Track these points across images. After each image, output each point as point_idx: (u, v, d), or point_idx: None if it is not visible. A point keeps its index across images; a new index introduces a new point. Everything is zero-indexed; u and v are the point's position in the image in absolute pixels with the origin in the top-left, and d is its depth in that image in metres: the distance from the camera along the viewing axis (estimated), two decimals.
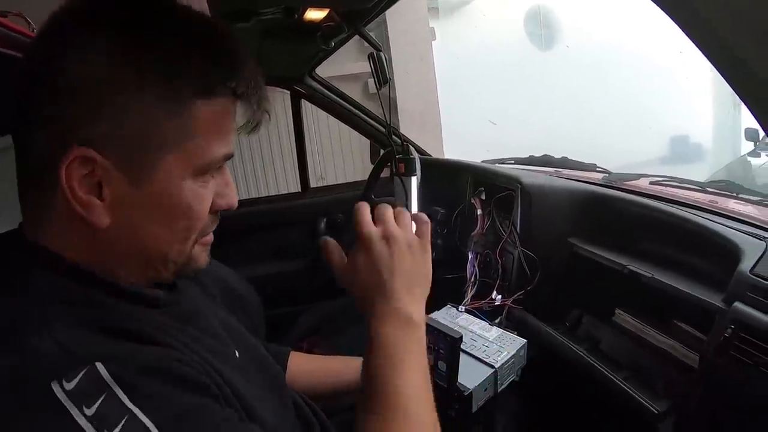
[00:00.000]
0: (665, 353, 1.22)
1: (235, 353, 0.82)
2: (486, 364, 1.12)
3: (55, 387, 0.50)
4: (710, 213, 1.32)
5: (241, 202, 2.16)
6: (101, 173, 0.61)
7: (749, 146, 4.57)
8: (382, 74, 1.50)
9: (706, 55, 0.63)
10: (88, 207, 0.62)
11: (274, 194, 2.53)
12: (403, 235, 0.80)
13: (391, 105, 1.56)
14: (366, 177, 2.16)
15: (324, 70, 2.17)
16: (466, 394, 1.05)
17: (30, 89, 0.62)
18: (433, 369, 1.07)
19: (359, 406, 0.73)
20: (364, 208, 0.82)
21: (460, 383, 1.06)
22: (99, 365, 0.52)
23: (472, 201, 1.61)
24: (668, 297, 1.19)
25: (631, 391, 1.16)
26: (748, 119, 5.24)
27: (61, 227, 0.64)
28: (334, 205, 2.34)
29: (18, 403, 0.51)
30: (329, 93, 2.19)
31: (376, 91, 1.56)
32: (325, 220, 2.32)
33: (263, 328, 1.86)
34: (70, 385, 0.51)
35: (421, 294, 0.81)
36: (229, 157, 0.69)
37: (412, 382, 0.74)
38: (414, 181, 1.53)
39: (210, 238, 0.75)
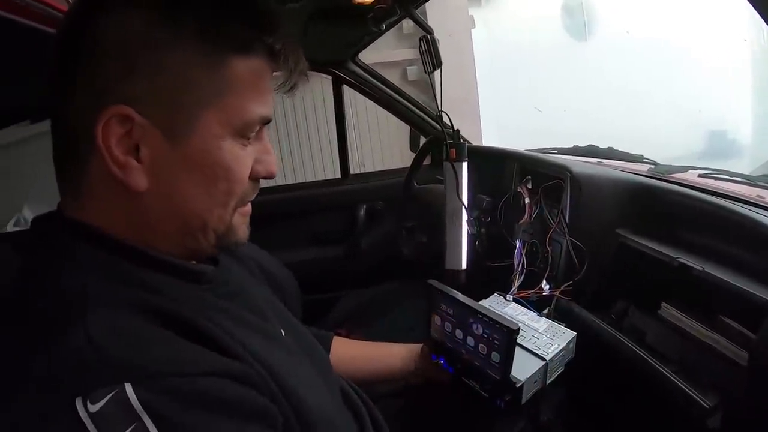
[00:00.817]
0: (712, 349, 1.20)
1: (281, 332, 0.84)
2: (537, 356, 1.11)
3: (79, 405, 0.48)
4: (758, 207, 1.29)
5: (280, 187, 2.22)
6: (139, 133, 0.61)
7: None
8: (436, 57, 1.49)
9: None
10: (126, 168, 0.62)
11: (313, 180, 2.52)
12: None
13: (430, 91, 1.55)
14: (405, 165, 2.16)
15: (364, 57, 2.17)
16: (518, 386, 1.05)
17: (67, 53, 0.62)
18: (486, 359, 1.06)
19: None
20: None
21: (512, 375, 1.04)
22: (128, 388, 0.49)
23: (519, 189, 1.59)
24: (716, 291, 1.18)
25: (681, 385, 1.14)
26: None
27: (99, 197, 0.65)
28: (374, 192, 2.36)
29: (39, 415, 0.49)
30: (371, 78, 2.19)
31: (414, 78, 1.57)
32: (365, 207, 2.33)
33: (300, 312, 1.88)
34: (94, 408, 0.48)
35: None
36: (267, 120, 0.71)
37: None
38: (465, 168, 1.52)
39: (249, 208, 0.75)
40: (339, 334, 1.81)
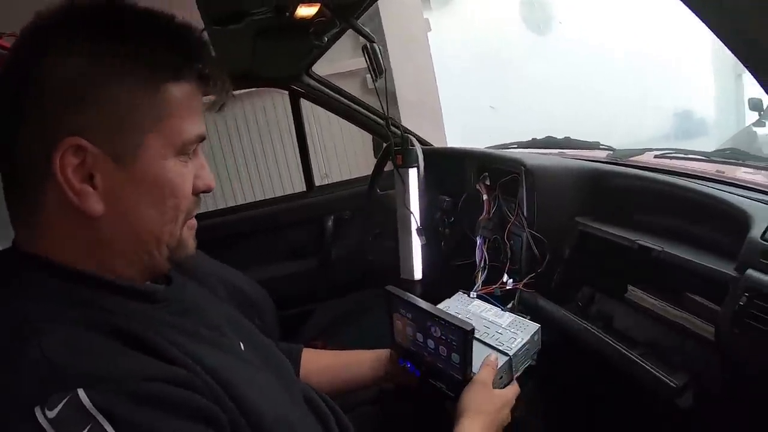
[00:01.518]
0: (681, 327, 1.20)
1: (239, 346, 0.86)
2: (500, 351, 1.11)
3: (38, 413, 0.52)
4: (717, 182, 1.30)
5: (246, 206, 2.20)
6: (92, 161, 0.65)
7: (753, 116, 4.52)
8: (377, 66, 1.49)
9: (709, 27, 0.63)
10: (83, 195, 0.66)
11: (279, 195, 2.51)
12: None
13: (390, 97, 1.55)
14: (370, 173, 2.16)
15: (321, 69, 2.17)
16: None
17: (12, 92, 0.66)
18: (447, 360, 1.06)
19: None
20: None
21: (474, 372, 1.04)
22: (81, 393, 0.54)
23: (477, 187, 1.60)
24: (680, 270, 1.17)
25: (647, 367, 1.14)
26: (750, 90, 5.20)
27: (56, 227, 0.69)
28: (341, 202, 2.35)
29: (2, 426, 0.54)
30: (327, 90, 2.18)
31: (374, 85, 1.57)
32: (332, 217, 2.32)
33: (277, 328, 1.87)
34: (52, 413, 0.52)
35: None
36: (202, 137, 0.76)
37: None
38: (413, 174, 1.52)
39: (195, 222, 0.81)
40: (315, 346, 1.82)
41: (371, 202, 1.98)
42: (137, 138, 0.68)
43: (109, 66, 0.66)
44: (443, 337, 1.05)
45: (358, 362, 1.25)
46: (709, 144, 5.30)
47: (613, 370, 1.23)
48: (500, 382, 1.08)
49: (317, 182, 2.43)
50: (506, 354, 1.10)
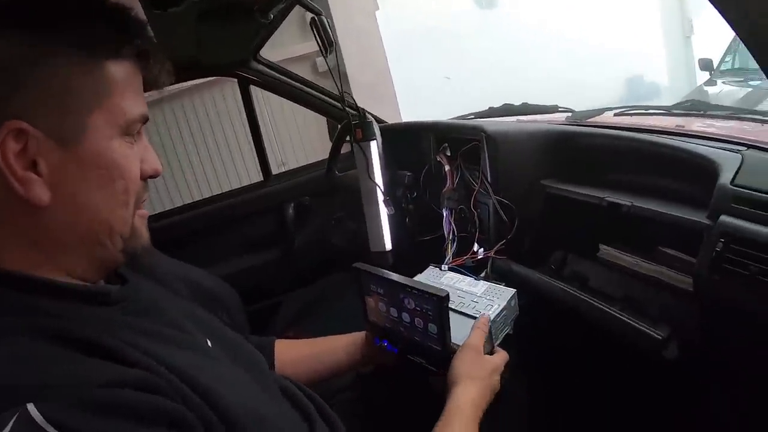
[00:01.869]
0: (657, 281, 1.20)
1: (206, 343, 0.82)
2: (490, 299, 1.10)
3: None
4: (680, 136, 1.28)
5: (203, 201, 2.11)
6: (34, 146, 0.63)
7: (704, 76, 4.61)
8: (326, 38, 1.43)
9: None
10: (27, 183, 0.63)
11: (237, 187, 2.43)
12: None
13: (342, 78, 1.49)
14: (327, 156, 2.10)
15: (270, 55, 2.09)
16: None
17: None
18: (424, 332, 1.03)
19: None
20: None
21: (453, 343, 1.01)
22: (31, 407, 0.50)
23: (438, 158, 1.55)
24: (651, 224, 1.17)
25: (630, 321, 1.13)
26: (699, 51, 5.32)
27: (0, 225, 0.65)
28: (300, 188, 2.27)
29: None
30: (278, 74, 2.10)
31: (326, 68, 1.51)
32: (292, 205, 2.24)
33: (246, 323, 1.81)
34: None
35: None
36: (146, 117, 0.74)
37: None
38: (374, 146, 1.46)
39: (146, 212, 0.78)
40: (288, 338, 1.77)
41: (331, 184, 1.91)
42: (80, 119, 0.66)
43: (46, 46, 0.64)
44: (418, 308, 1.01)
45: (333, 348, 1.22)
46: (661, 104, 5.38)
47: (594, 329, 1.22)
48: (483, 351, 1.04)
49: (274, 170, 2.35)
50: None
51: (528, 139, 1.45)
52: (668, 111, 1.49)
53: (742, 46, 4.37)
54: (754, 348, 1.00)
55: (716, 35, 5.38)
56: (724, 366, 1.09)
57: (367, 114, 1.52)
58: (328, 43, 1.42)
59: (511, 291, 1.14)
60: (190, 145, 4.03)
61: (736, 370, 1.08)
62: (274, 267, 2.25)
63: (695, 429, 1.25)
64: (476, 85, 4.61)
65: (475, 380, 0.96)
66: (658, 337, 1.08)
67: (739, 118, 1.38)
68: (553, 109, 1.82)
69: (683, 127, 1.35)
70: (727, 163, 1.06)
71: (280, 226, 2.26)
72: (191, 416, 0.62)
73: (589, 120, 1.58)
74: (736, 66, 4.44)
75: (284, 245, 2.26)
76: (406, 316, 1.05)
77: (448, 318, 0.99)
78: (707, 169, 1.08)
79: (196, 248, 2.15)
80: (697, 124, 1.38)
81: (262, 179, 2.32)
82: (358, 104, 1.74)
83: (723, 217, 0.98)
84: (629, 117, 1.52)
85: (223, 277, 1.84)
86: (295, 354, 1.20)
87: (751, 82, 4.04)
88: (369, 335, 1.17)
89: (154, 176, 0.77)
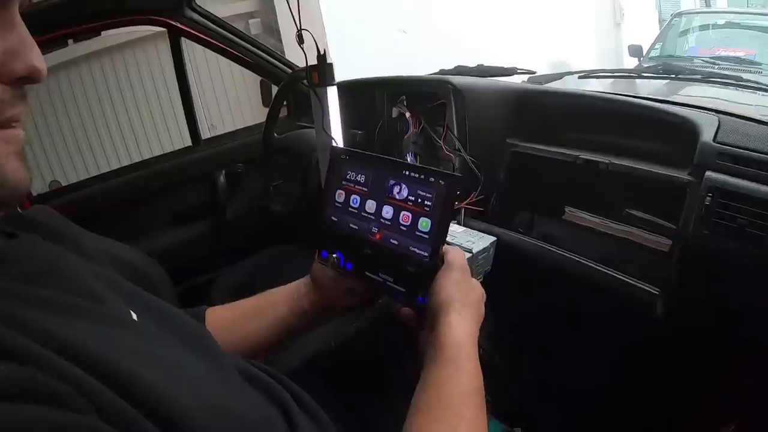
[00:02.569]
0: (630, 242, 1.17)
1: (131, 315, 0.62)
2: (461, 248, 0.95)
3: None
4: (649, 100, 1.25)
5: (125, 168, 1.91)
6: None
7: (633, 62, 4.73)
8: None
9: None
10: None
11: (162, 153, 2.23)
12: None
13: (276, 36, 1.34)
14: (261, 121, 1.92)
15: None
16: None
17: None
18: (409, 232, 0.83)
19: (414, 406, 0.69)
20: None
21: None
22: None
23: (395, 109, 1.45)
24: (620, 186, 1.15)
25: (623, 278, 1.08)
26: (629, 37, 5.47)
27: None
28: (232, 155, 2.12)
29: None
30: (214, 26, 1.92)
31: (258, 31, 1.36)
32: (223, 173, 2.09)
33: (176, 302, 1.64)
34: None
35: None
36: None
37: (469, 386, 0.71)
38: (332, 92, 1.31)
39: (17, 134, 0.54)
40: None
41: (269, 147, 1.75)
42: None
43: None
44: (411, 198, 0.82)
45: (271, 302, 1.00)
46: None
47: (578, 287, 1.17)
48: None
49: (204, 135, 2.17)
50: (469, 251, 0.96)
51: (495, 95, 1.37)
52: (637, 74, 1.44)
53: (670, 34, 4.54)
54: (738, 301, 1.00)
55: (646, 22, 5.58)
56: (708, 324, 1.07)
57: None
58: None
59: (492, 238, 1.03)
60: (110, 109, 3.75)
61: (720, 329, 1.06)
62: (205, 241, 2.09)
63: (684, 388, 1.23)
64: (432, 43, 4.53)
65: (470, 307, 0.79)
66: (654, 291, 1.03)
67: (711, 82, 1.34)
68: (512, 71, 1.74)
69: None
70: (706, 122, 1.07)
71: (210, 196, 2.10)
72: (81, 400, 0.44)
73: (550, 83, 1.51)
74: (665, 53, 4.58)
75: (215, 217, 2.10)
76: (387, 211, 0.85)
77: (453, 210, 0.83)
78: (685, 129, 1.08)
79: (117, 222, 1.95)
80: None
81: (191, 144, 2.14)
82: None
83: (709, 173, 0.99)
84: (596, 79, 1.46)
85: (149, 253, 1.69)
86: (228, 317, 0.98)
87: None
88: (317, 266, 0.96)
89: (30, 78, 0.53)
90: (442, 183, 0.79)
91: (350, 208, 0.90)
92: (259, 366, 0.83)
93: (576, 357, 1.35)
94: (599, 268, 1.10)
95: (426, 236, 0.80)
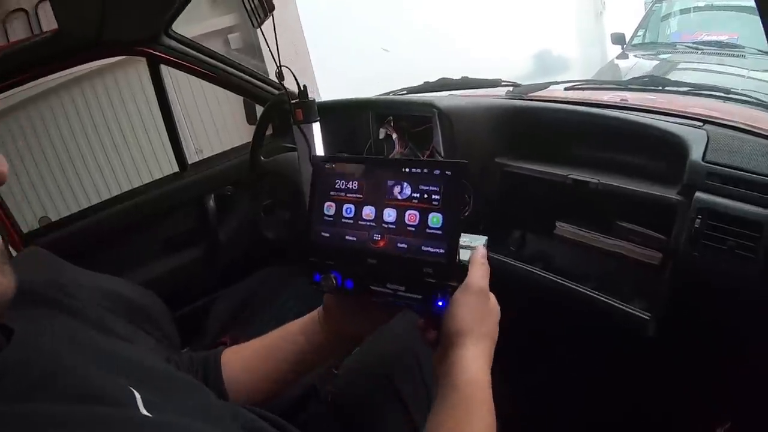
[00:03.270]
0: (621, 256, 1.16)
1: (134, 397, 0.58)
2: (465, 247, 0.83)
3: None
4: (638, 111, 1.23)
5: (113, 200, 1.89)
6: None
7: (616, 50, 4.72)
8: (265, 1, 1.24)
9: None
10: None
11: (149, 181, 2.20)
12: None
13: (257, 54, 1.33)
14: (248, 141, 1.90)
15: (179, 32, 1.89)
16: (461, 265, 0.78)
17: None
18: (419, 232, 0.76)
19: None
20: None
21: (462, 260, 0.79)
22: None
23: (382, 130, 1.44)
24: (611, 199, 1.14)
25: (613, 303, 1.09)
26: (611, 25, 5.47)
27: None
28: (220, 178, 2.09)
29: None
30: (192, 51, 1.90)
31: (239, 45, 1.34)
32: (213, 196, 2.07)
33: (175, 334, 1.63)
34: None
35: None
36: None
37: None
38: (317, 128, 1.30)
39: None
40: (223, 344, 1.59)
41: (257, 171, 1.74)
42: None
43: None
44: (416, 195, 0.77)
45: (289, 334, 0.96)
46: (572, 78, 5.56)
47: (570, 311, 1.18)
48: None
49: (190, 160, 2.15)
50: (472, 249, 0.84)
51: (482, 114, 1.37)
52: (624, 86, 1.44)
53: (653, 20, 4.52)
54: (728, 320, 1.01)
55: (627, 11, 5.57)
56: (699, 339, 1.07)
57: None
58: (268, 7, 1.23)
59: (484, 237, 0.90)
60: (93, 137, 3.69)
61: (711, 344, 1.06)
62: (199, 266, 2.07)
63: (676, 392, 1.22)
64: (384, 61, 4.51)
65: (486, 337, 0.74)
66: (645, 317, 1.04)
67: (698, 94, 1.34)
68: (496, 83, 1.73)
69: (642, 104, 1.30)
70: (694, 139, 1.05)
71: (201, 221, 2.07)
72: None
73: (536, 94, 1.50)
74: (647, 40, 4.57)
75: (207, 241, 2.08)
76: (389, 214, 0.79)
77: (463, 202, 0.76)
78: (674, 146, 1.08)
79: (109, 254, 1.94)
80: (652, 99, 1.35)
81: (178, 170, 2.12)
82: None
83: (699, 194, 0.99)
84: (582, 91, 1.45)
85: (143, 283, 1.64)
86: (247, 357, 0.96)
87: (662, 56, 4.15)
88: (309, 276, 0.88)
89: None
90: (449, 173, 0.74)
91: (344, 219, 0.82)
92: (264, 415, 0.81)
93: (567, 371, 1.36)
94: (591, 294, 1.11)
95: (439, 232, 0.74)
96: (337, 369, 1.15)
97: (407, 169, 0.77)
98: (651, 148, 1.13)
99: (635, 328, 1.04)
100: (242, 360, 0.95)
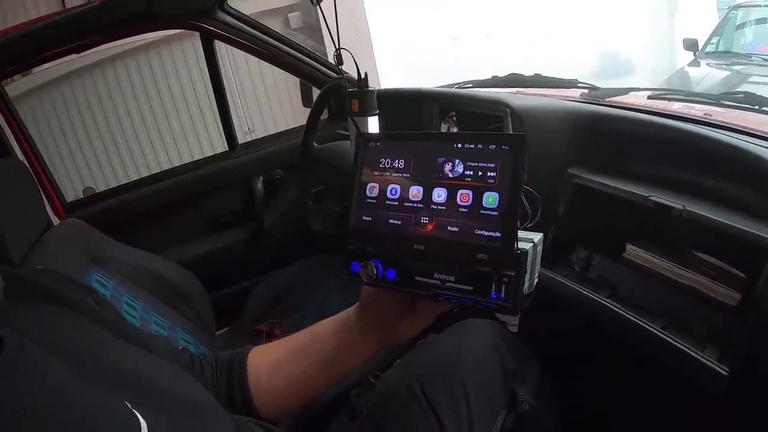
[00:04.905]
0: (696, 292, 1.04)
1: (136, 421, 0.51)
2: (522, 239, 0.73)
3: None
4: (731, 131, 1.12)
5: (159, 176, 1.88)
6: None
7: (687, 56, 4.53)
8: None
9: None
10: None
11: (198, 159, 2.17)
12: None
13: (317, 35, 1.25)
14: (302, 124, 1.84)
15: (236, 8, 1.84)
16: (520, 252, 0.68)
17: None
18: (472, 213, 0.68)
19: None
20: None
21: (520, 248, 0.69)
22: None
23: (445, 124, 1.34)
24: (694, 229, 1.01)
25: (689, 350, 0.96)
26: (684, 29, 5.24)
27: None
28: (270, 160, 2.07)
29: None
30: (248, 28, 1.85)
31: (298, 25, 1.27)
32: (261, 179, 2.04)
33: (210, 316, 1.61)
34: None
35: None
36: None
37: None
38: (373, 122, 1.21)
39: None
40: (259, 333, 1.54)
41: (308, 159, 1.67)
42: None
43: None
44: (468, 174, 0.69)
45: (318, 335, 0.88)
46: (638, 84, 5.39)
47: (635, 349, 1.07)
48: (530, 276, 0.75)
49: (241, 140, 2.11)
50: (530, 241, 0.75)
51: (557, 119, 1.26)
52: (716, 101, 1.31)
53: (727, 28, 4.33)
54: None
55: (701, 15, 5.34)
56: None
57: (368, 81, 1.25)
58: None
59: (540, 234, 0.80)
60: (144, 110, 3.70)
61: None
62: (242, 249, 2.05)
63: None
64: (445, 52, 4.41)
65: None
66: (723, 373, 0.91)
67: None
68: (572, 83, 1.62)
69: (737, 122, 1.17)
70: None
71: (247, 204, 2.05)
72: None
73: (615, 100, 1.39)
74: (721, 49, 4.37)
75: (252, 225, 2.06)
76: (440, 194, 0.71)
77: (523, 180, 0.67)
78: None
79: (151, 230, 1.95)
80: (750, 118, 1.21)
81: (227, 150, 2.08)
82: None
83: None
84: (668, 102, 1.33)
85: (185, 262, 1.66)
86: (272, 357, 0.89)
87: (735, 66, 3.96)
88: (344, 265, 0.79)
89: None
90: (506, 148, 0.66)
91: (388, 201, 0.75)
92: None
93: (625, 413, 1.26)
94: (661, 334, 1.00)
95: (494, 213, 0.67)
96: (374, 378, 1.08)
97: (459, 145, 0.70)
98: (742, 175, 1.01)
99: (708, 381, 0.93)
100: (268, 363, 0.88)
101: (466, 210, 0.68)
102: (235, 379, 0.84)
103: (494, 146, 0.67)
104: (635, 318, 1.04)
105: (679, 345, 0.97)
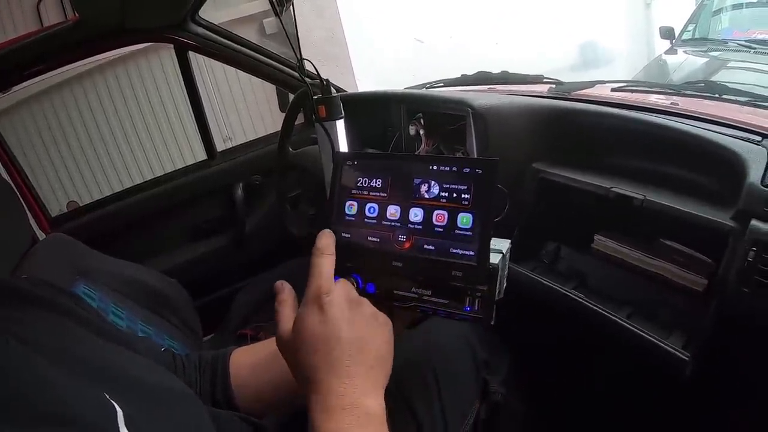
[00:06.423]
0: (663, 279, 1.06)
1: (114, 412, 0.53)
2: (491, 250, 0.74)
3: None
4: (689, 118, 1.14)
5: (140, 186, 1.90)
6: None
7: (664, 45, 4.55)
8: None
9: None
10: None
11: (178, 168, 2.20)
12: (368, 303, 0.69)
13: (294, 40, 1.27)
14: (279, 129, 1.87)
15: (211, 18, 1.86)
16: (491, 266, 0.71)
17: None
18: (447, 232, 0.72)
19: None
20: (327, 260, 0.70)
21: (492, 264, 0.72)
22: None
23: (411, 127, 1.37)
24: (659, 218, 1.04)
25: (651, 337, 0.98)
26: (660, 18, 5.28)
27: None
28: (249, 166, 2.09)
29: None
30: (220, 38, 1.87)
31: (274, 30, 1.29)
32: (241, 185, 2.06)
33: (196, 322, 1.62)
34: None
35: (383, 380, 0.66)
36: None
37: None
38: (340, 126, 1.24)
39: None
40: (244, 337, 1.56)
41: (283, 163, 1.70)
42: None
43: None
44: (445, 194, 0.72)
45: None
46: (616, 73, 5.47)
47: (601, 338, 1.09)
48: (501, 284, 0.75)
49: (219, 147, 2.14)
50: (499, 251, 0.75)
51: (520, 114, 1.28)
52: (677, 91, 1.33)
53: (703, 15, 4.35)
54: None
55: (676, 3, 5.38)
56: (741, 383, 0.98)
57: (332, 87, 1.28)
58: None
59: (507, 241, 0.80)
60: (124, 122, 3.68)
61: (752, 394, 0.98)
62: (225, 255, 2.07)
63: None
64: (425, 50, 4.43)
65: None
66: (684, 358, 0.93)
67: (757, 106, 1.22)
68: (538, 79, 1.64)
69: (697, 110, 1.20)
70: (753, 158, 0.95)
71: (228, 210, 2.07)
72: None
73: (581, 94, 1.41)
74: (698, 35, 4.39)
75: (234, 230, 2.08)
76: (416, 214, 0.74)
77: (495, 202, 0.70)
78: (729, 162, 0.97)
79: (135, 240, 1.96)
80: (711, 108, 1.23)
81: (206, 158, 2.11)
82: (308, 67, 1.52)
83: (755, 222, 0.88)
84: (630, 93, 1.36)
85: (168, 270, 1.69)
86: (255, 358, 0.92)
87: (712, 53, 3.98)
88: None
89: None
90: (480, 171, 0.70)
91: (366, 219, 0.77)
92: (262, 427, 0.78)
93: (591, 407, 1.28)
94: (626, 324, 1.02)
95: (468, 233, 0.70)
96: None
97: (435, 167, 0.72)
98: (702, 163, 1.03)
99: (672, 368, 0.95)
100: (251, 363, 0.90)
101: (441, 230, 0.71)
102: (218, 378, 0.86)
103: (468, 169, 0.70)
104: (600, 308, 1.07)
105: (642, 333, 0.99)
